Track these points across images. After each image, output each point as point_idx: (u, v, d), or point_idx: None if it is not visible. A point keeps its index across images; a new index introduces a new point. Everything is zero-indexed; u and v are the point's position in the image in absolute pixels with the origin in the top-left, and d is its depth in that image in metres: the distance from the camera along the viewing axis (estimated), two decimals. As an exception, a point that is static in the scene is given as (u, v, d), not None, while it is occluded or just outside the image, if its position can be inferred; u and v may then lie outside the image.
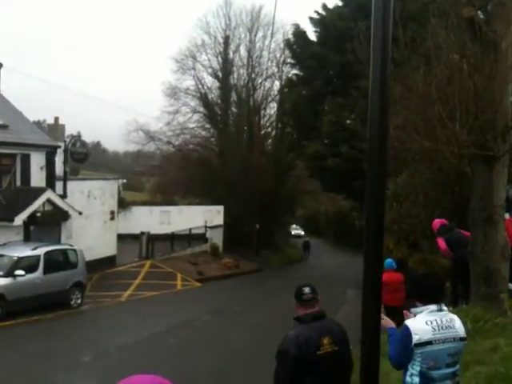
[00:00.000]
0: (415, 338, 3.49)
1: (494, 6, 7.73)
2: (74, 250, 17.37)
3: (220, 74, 42.68)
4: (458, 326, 3.63)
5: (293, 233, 59.43)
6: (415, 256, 15.31)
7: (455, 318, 3.68)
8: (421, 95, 8.62)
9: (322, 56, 31.37)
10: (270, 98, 43.57)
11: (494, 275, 7.80)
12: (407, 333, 3.53)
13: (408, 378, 3.61)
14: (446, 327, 3.56)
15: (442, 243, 10.03)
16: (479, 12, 8.31)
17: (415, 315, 3.69)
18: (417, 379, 3.53)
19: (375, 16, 3.40)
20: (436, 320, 3.56)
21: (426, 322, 3.55)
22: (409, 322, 3.61)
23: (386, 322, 3.91)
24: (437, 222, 10.47)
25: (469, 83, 7.58)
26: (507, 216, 8.51)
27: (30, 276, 15.05)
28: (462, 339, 3.61)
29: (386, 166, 3.65)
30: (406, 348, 3.53)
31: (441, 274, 12.16)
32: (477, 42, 7.70)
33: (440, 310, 3.62)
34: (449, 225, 10.37)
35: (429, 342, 3.49)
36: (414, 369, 3.56)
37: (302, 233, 60.99)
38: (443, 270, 12.83)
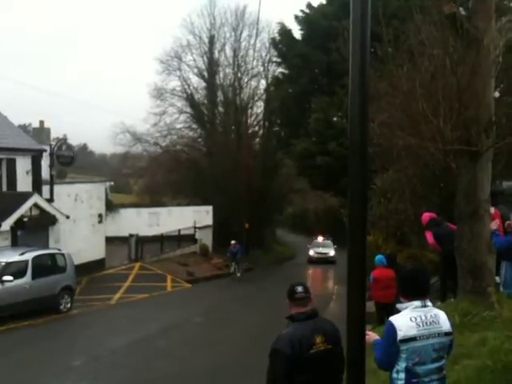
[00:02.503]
0: (400, 335, 3.52)
1: (474, 2, 7.80)
2: (63, 254, 17.27)
3: (206, 73, 42.66)
4: (442, 321, 3.66)
5: (311, 254, 35.84)
6: (404, 251, 15.39)
7: (440, 313, 3.71)
8: (405, 92, 8.67)
9: (307, 54, 31.50)
10: (256, 97, 43.71)
11: (480, 269, 7.88)
12: (392, 329, 3.57)
13: (394, 375, 3.65)
14: (431, 323, 3.59)
15: (430, 237, 10.06)
16: (461, 8, 8.39)
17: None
18: (402, 375, 3.57)
19: (353, 16, 3.42)
20: (420, 316, 3.60)
21: (410, 319, 3.58)
22: (393, 319, 3.64)
23: (371, 336, 3.94)
24: (426, 216, 10.42)
25: (452, 79, 7.65)
26: (492, 210, 8.59)
27: (18, 281, 14.94)
28: (446, 334, 3.65)
29: (367, 161, 3.70)
30: (392, 344, 3.56)
31: (428, 268, 12.26)
32: (459, 38, 7.77)
33: (424, 305, 3.66)
34: (437, 218, 10.30)
35: (413, 338, 3.53)
36: (400, 365, 3.59)
37: (332, 253, 35.53)
38: (431, 265, 12.93)
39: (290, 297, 4.15)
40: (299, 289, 4.14)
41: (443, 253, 9.95)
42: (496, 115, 7.94)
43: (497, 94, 9.58)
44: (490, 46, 7.56)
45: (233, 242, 26.88)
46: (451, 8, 7.52)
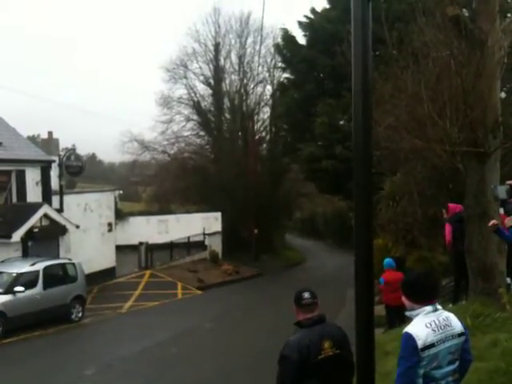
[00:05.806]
0: (419, 343, 3.43)
1: (477, 3, 7.80)
2: (73, 264, 17.35)
3: (212, 81, 42.78)
4: (454, 323, 3.62)
5: None
6: (414, 254, 15.33)
7: (450, 315, 3.67)
8: (410, 94, 8.68)
9: (311, 59, 31.48)
10: (262, 103, 43.71)
11: (491, 270, 7.85)
12: (410, 339, 3.46)
13: None
14: (444, 326, 3.54)
15: (448, 232, 9.69)
16: (464, 10, 8.40)
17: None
18: (420, 380, 3.49)
19: (354, 20, 3.45)
20: (434, 321, 3.53)
21: (426, 325, 3.51)
22: (408, 329, 3.54)
23: None
24: (453, 207, 9.85)
25: (457, 81, 7.64)
26: (501, 211, 8.52)
27: (29, 292, 15.02)
28: (459, 335, 3.60)
29: (371, 164, 3.73)
30: (413, 354, 3.44)
31: (438, 270, 12.16)
32: (463, 40, 7.77)
33: (435, 309, 3.60)
34: (462, 214, 9.47)
35: (432, 345, 3.45)
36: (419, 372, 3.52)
37: None
38: (441, 267, 12.88)
39: (297, 303, 4.16)
40: (306, 295, 4.15)
41: (456, 253, 9.75)
42: (503, 115, 7.92)
43: (503, 95, 9.56)
44: (495, 47, 7.56)
45: None
46: (454, 10, 7.52)
